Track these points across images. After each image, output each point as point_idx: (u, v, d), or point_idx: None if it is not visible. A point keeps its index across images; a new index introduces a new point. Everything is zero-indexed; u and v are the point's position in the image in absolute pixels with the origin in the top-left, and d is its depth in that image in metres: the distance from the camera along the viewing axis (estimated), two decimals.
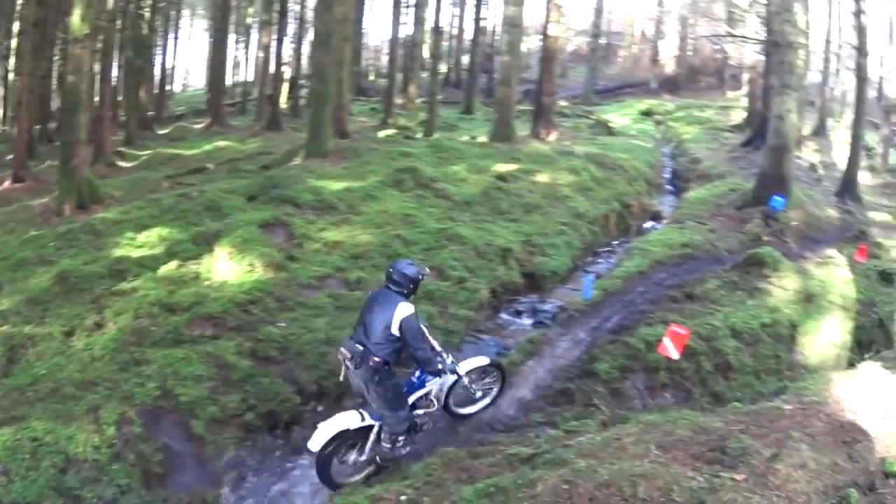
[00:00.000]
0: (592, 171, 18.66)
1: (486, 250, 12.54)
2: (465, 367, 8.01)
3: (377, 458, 7.49)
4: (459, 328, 10.56)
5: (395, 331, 7.04)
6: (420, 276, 7.38)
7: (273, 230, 12.01)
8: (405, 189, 14.74)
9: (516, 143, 21.83)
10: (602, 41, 53.33)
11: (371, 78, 57.61)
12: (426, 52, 41.81)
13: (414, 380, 7.81)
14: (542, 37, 29.19)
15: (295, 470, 7.75)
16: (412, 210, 13.71)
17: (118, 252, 11.29)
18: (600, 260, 15.03)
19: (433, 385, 7.90)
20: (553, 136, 25.20)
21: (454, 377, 7.87)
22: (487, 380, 8.61)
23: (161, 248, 11.42)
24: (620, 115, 37.94)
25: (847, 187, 21.25)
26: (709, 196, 18.82)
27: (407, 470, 7.00)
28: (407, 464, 7.34)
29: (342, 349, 7.26)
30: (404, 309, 7.06)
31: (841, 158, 23.52)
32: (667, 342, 8.18)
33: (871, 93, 41.26)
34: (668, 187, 23.84)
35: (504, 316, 11.81)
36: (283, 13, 33.99)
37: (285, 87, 37.26)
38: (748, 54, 30.22)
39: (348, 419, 7.20)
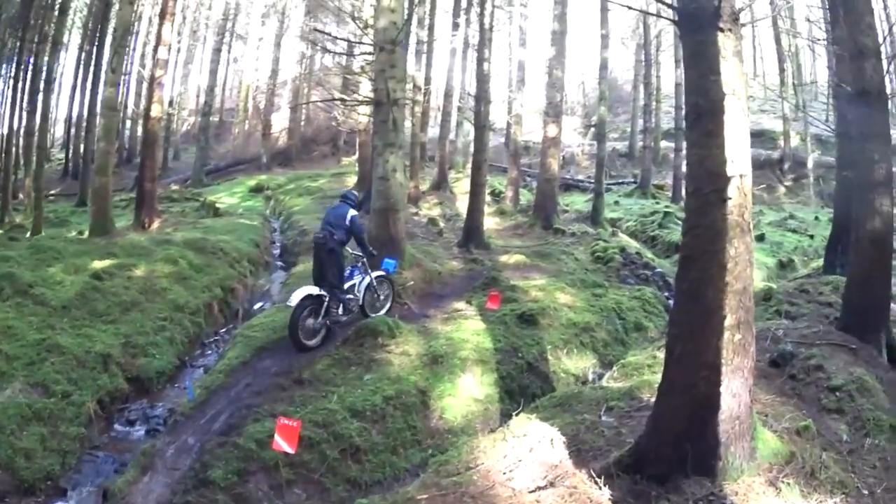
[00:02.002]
0: (191, 258, 18.18)
1: (86, 358, 11.94)
2: (374, 272, 13.87)
3: (328, 323, 12.63)
4: (74, 448, 10.15)
5: (347, 222, 12.93)
6: (358, 197, 14.28)
7: None
8: (4, 298, 13.52)
9: (115, 236, 20.55)
10: (215, 119, 53.06)
11: None
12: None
13: (347, 273, 13.26)
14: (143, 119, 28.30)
15: None
16: (13, 321, 12.60)
17: None
18: (209, 352, 14.90)
19: (357, 279, 13.49)
20: (156, 225, 24.20)
21: (369, 278, 13.59)
22: (385, 287, 14.31)
23: None
24: (229, 195, 38.05)
25: (471, 236, 21.79)
26: None
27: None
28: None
29: (317, 235, 13.08)
30: (353, 212, 13.16)
31: (465, 208, 23.87)
32: (278, 437, 8.22)
33: (499, 139, 44.12)
34: (279, 263, 23.83)
35: (118, 427, 11.48)
36: None
37: None
38: (361, 118, 31.03)
39: (310, 288, 12.34)
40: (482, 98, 22.39)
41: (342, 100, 28.87)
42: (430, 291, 16.41)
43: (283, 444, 8.17)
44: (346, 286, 13.10)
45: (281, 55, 55.52)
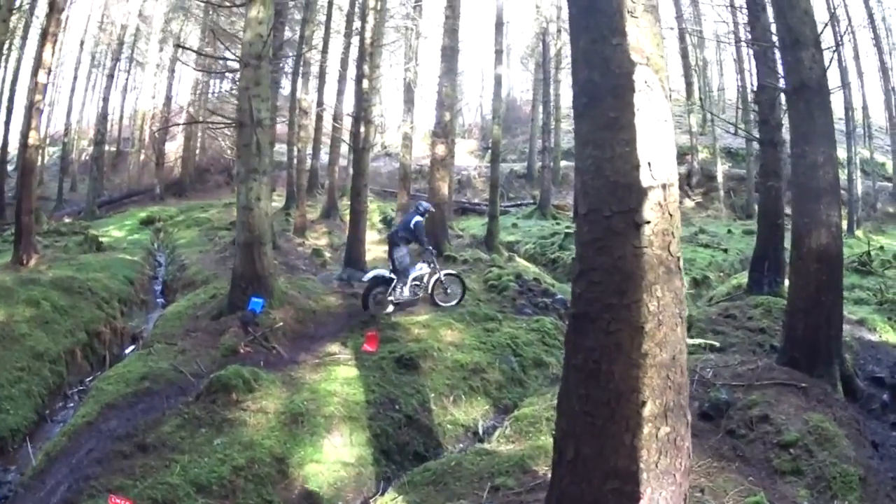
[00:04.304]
0: (56, 299, 16.23)
1: None
2: (444, 271, 17.00)
3: (392, 299, 15.63)
4: None
5: (412, 225, 15.89)
6: (427, 209, 16.82)
7: None
8: None
9: None
10: (112, 148, 51.42)
11: None
12: None
13: (417, 266, 16.30)
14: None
15: None
16: None
17: None
18: (71, 405, 13.21)
19: (422, 271, 16.31)
20: (34, 262, 21.64)
21: (438, 275, 16.47)
22: (456, 286, 16.83)
23: None
24: (118, 228, 35.94)
25: (352, 268, 20.22)
26: (187, 308, 17.05)
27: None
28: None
29: (389, 234, 16.85)
30: (418, 217, 16.05)
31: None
32: None
33: (394, 164, 43.67)
34: (160, 301, 22.12)
35: None
36: None
37: None
38: None
39: (381, 271, 15.90)
40: (361, 118, 21.21)
41: (202, 122, 27.06)
42: (304, 332, 14.91)
43: None
44: (413, 275, 16.00)
45: (175, 82, 54.15)
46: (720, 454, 7.47)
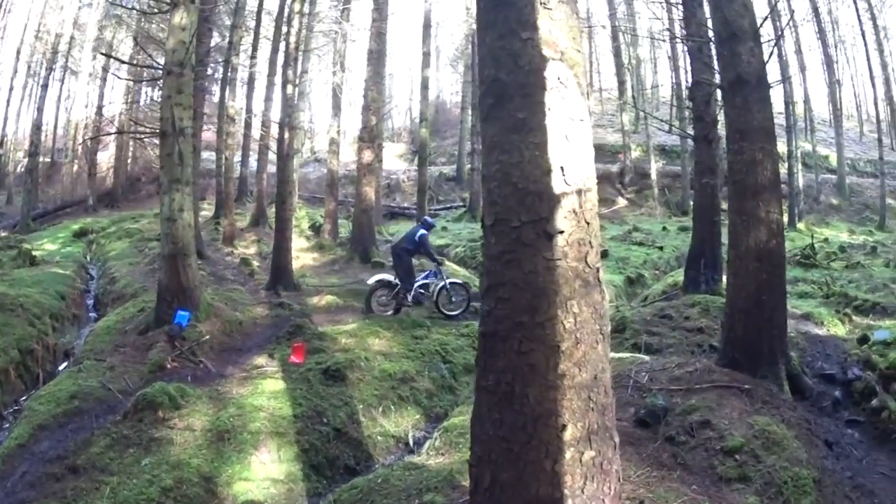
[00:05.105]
0: None
1: None
2: (449, 279, 17.43)
3: (395, 303, 16.60)
4: None
5: (416, 238, 16.61)
6: (432, 224, 18.10)
7: None
8: None
9: None
10: (47, 159, 50.54)
11: None
12: None
13: (420, 275, 17.29)
14: None
15: None
16: None
17: None
18: (6, 425, 12.49)
19: (429, 281, 17.08)
20: None
21: (444, 283, 16.84)
22: (461, 294, 17.13)
23: None
24: (52, 241, 34.99)
25: (278, 277, 20.36)
26: (116, 322, 16.41)
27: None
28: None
29: (392, 245, 18.60)
30: (422, 231, 16.82)
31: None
32: None
33: (323, 170, 43.17)
34: (92, 315, 21.31)
35: None
36: None
37: None
38: None
39: (387, 275, 17.21)
40: (286, 123, 20.96)
41: (128, 133, 26.73)
42: (231, 345, 14.41)
43: None
44: (418, 283, 16.88)
45: (108, 90, 52.68)
46: (660, 462, 7.03)
